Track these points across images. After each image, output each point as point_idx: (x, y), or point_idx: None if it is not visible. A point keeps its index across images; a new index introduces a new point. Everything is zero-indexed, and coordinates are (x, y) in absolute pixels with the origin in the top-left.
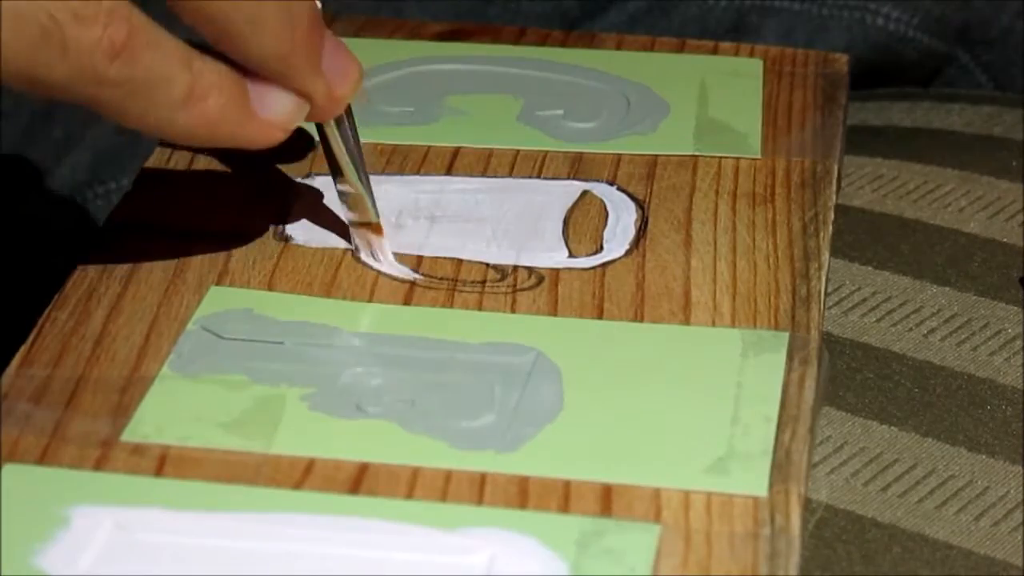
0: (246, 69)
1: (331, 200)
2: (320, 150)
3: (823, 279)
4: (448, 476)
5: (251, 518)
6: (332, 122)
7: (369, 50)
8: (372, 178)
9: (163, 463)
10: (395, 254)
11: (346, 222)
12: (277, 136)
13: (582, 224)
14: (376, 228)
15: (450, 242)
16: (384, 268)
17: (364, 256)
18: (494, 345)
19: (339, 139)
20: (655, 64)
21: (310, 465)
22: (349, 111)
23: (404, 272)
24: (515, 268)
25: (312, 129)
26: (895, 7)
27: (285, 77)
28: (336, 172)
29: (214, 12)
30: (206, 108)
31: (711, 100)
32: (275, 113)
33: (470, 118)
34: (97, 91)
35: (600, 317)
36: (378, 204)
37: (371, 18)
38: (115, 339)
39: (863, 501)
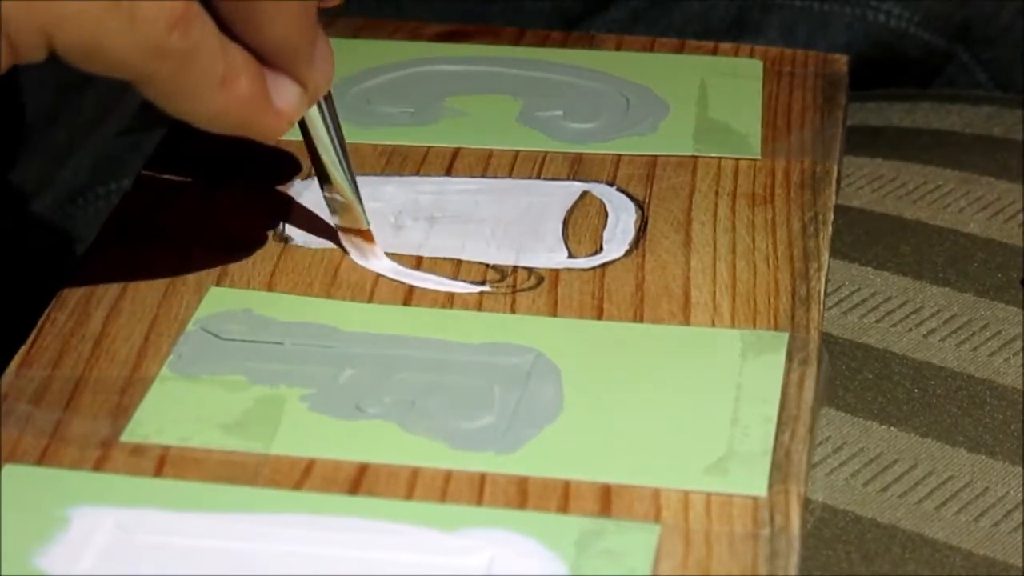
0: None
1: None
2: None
3: (823, 279)
4: (448, 477)
5: (251, 519)
6: (317, 120)
7: (369, 51)
8: (372, 179)
9: (163, 464)
10: (394, 255)
11: (334, 226)
12: (284, 127)
13: (582, 225)
14: (367, 235)
15: (450, 243)
16: (382, 271)
17: (356, 259)
18: (494, 346)
19: (324, 139)
20: (655, 65)
21: (310, 466)
22: (335, 115)
23: (401, 273)
24: (515, 269)
25: None
26: (896, 4)
27: (291, 64)
28: (323, 177)
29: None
30: (238, 90)
31: (711, 101)
32: (286, 103)
33: (470, 119)
34: (155, 64)
35: (600, 318)
36: (378, 204)
37: (371, 19)
38: (115, 340)
39: (863, 501)
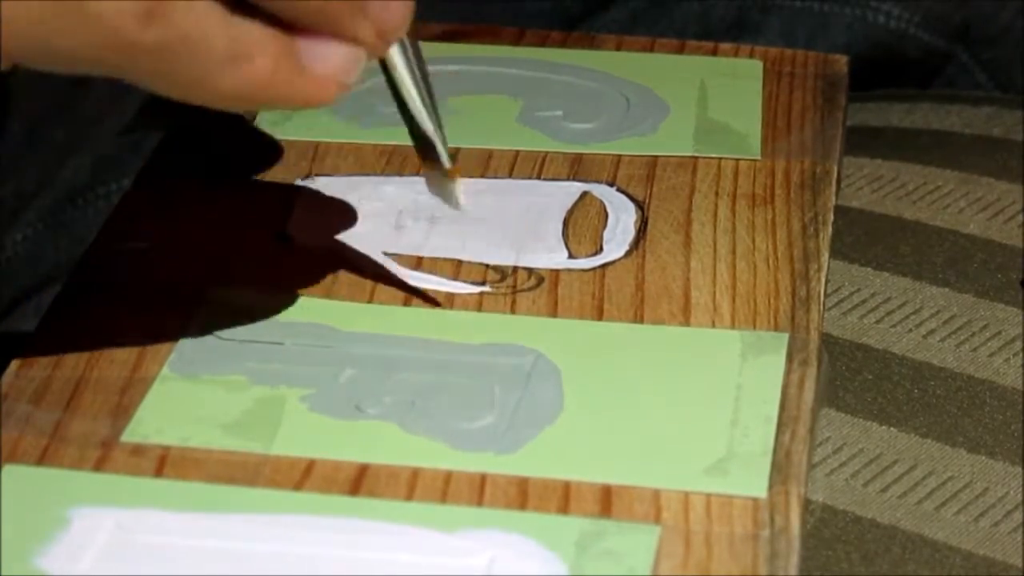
0: (290, 23)
1: (332, 200)
2: (321, 149)
3: (823, 280)
4: (448, 477)
5: (251, 519)
6: (394, 57)
7: None
8: (373, 179)
9: (163, 464)
10: (394, 255)
11: (422, 172)
12: (334, 91)
13: (582, 225)
14: (450, 172)
15: (450, 243)
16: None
17: (437, 195)
18: (494, 346)
19: (404, 73)
20: (655, 65)
21: (310, 466)
22: (416, 46)
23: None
24: (515, 269)
25: (314, 132)
26: (896, 5)
27: (327, 26)
28: (405, 114)
29: None
30: (253, 69)
31: (711, 101)
32: (329, 67)
33: (470, 119)
34: (131, 59)
35: (600, 318)
36: (379, 204)
37: None
38: (115, 339)
39: (863, 502)
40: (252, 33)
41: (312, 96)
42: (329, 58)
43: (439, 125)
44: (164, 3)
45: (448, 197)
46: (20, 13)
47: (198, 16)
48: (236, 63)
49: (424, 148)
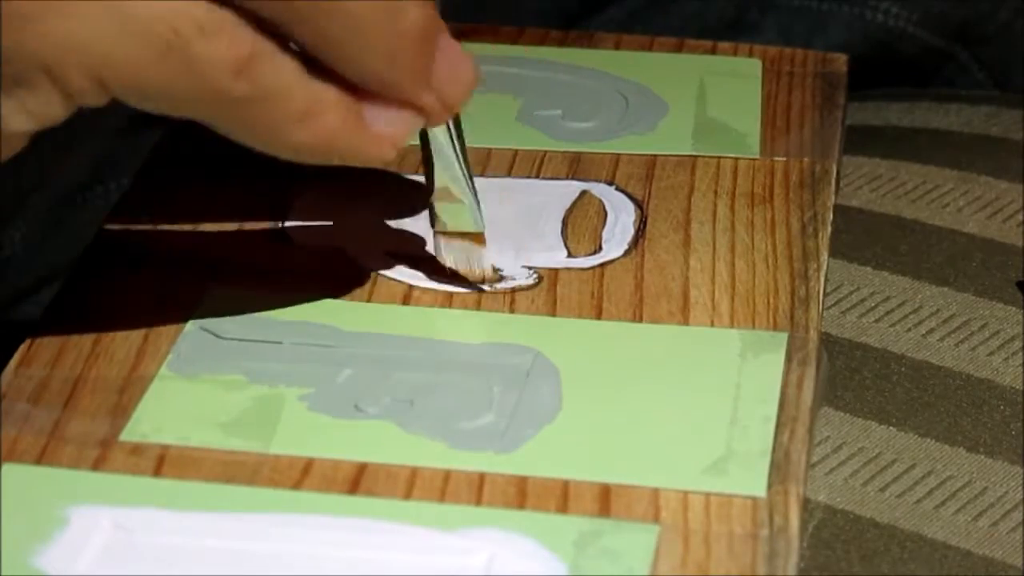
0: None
1: (331, 199)
2: None
3: (822, 279)
4: (447, 476)
5: (249, 518)
6: (439, 127)
7: None
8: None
9: (162, 463)
10: (393, 254)
11: (434, 231)
12: (389, 152)
13: (581, 224)
14: (478, 238)
15: None
16: (487, 274)
17: (452, 263)
18: (493, 345)
19: (447, 144)
20: (653, 64)
21: (308, 465)
22: (457, 121)
23: (406, 274)
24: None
25: None
26: (895, 3)
27: (396, 94)
28: (431, 178)
29: (314, 37)
30: (322, 124)
31: (710, 100)
32: (389, 128)
33: (468, 118)
34: (221, 108)
35: (599, 317)
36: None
37: None
38: (114, 339)
39: (862, 501)
40: (325, 92)
41: (371, 153)
42: (390, 120)
43: (474, 189)
44: (255, 58)
45: (472, 260)
46: (130, 55)
47: (283, 73)
48: (308, 119)
49: (448, 211)
